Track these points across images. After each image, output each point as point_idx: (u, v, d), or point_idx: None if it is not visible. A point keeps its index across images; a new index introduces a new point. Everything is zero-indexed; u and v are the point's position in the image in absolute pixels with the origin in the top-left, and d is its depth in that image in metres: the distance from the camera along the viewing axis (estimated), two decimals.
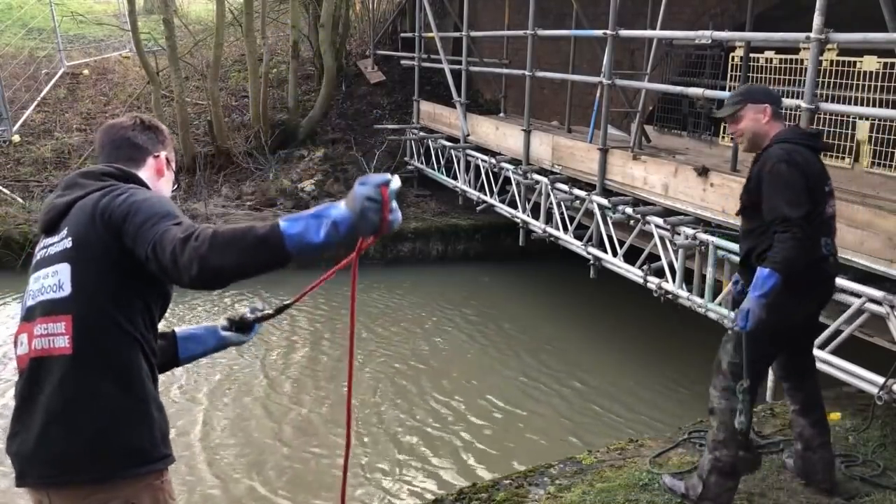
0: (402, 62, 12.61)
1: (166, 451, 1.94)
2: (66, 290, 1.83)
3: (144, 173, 2.08)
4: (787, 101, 5.51)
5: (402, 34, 13.79)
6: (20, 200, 10.28)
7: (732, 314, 3.28)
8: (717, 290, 5.38)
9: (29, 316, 1.89)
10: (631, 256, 6.42)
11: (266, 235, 1.55)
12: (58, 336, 1.81)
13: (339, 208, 1.52)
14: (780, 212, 3.06)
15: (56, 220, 1.93)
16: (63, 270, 1.84)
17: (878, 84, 5.38)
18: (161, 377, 2.04)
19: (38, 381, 1.84)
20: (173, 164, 2.20)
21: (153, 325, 1.94)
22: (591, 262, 6.93)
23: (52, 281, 1.85)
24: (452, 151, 10.12)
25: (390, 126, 12.12)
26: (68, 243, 1.86)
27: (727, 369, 3.29)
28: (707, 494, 3.36)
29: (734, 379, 3.24)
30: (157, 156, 2.12)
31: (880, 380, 4.01)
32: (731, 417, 3.24)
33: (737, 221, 5.28)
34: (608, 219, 6.62)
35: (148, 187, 2.02)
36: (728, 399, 3.28)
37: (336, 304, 8.34)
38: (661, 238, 5.97)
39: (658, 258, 6.00)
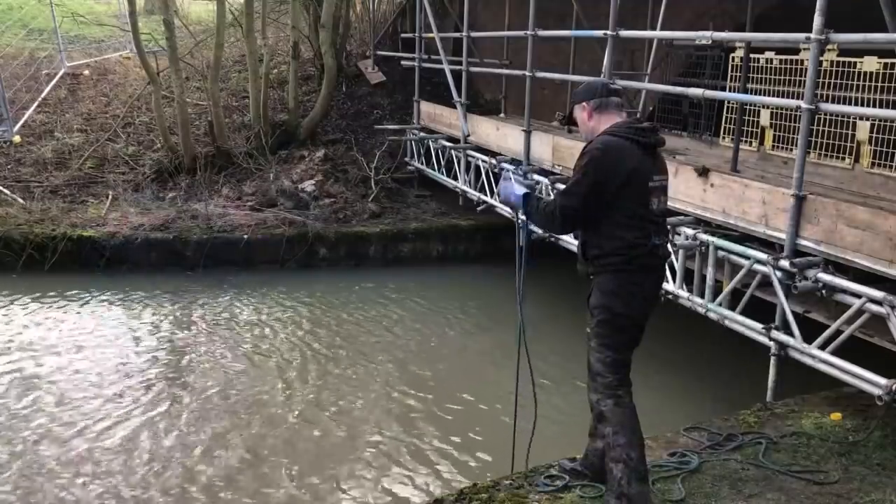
0: (403, 63, 12.61)
1: None
2: None
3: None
4: (787, 102, 5.54)
5: (403, 35, 13.79)
6: (21, 201, 10.26)
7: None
8: (717, 290, 5.38)
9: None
10: None
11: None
12: None
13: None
14: (559, 196, 3.39)
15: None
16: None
17: (878, 84, 5.39)
18: None
19: None
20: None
21: None
22: None
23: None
24: (453, 152, 10.13)
25: (391, 126, 12.12)
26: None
27: (596, 368, 3.38)
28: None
29: (609, 374, 3.35)
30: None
31: (880, 380, 4.01)
32: (623, 417, 3.28)
33: (738, 222, 5.32)
34: None
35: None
36: (611, 397, 3.32)
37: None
38: None
39: None
